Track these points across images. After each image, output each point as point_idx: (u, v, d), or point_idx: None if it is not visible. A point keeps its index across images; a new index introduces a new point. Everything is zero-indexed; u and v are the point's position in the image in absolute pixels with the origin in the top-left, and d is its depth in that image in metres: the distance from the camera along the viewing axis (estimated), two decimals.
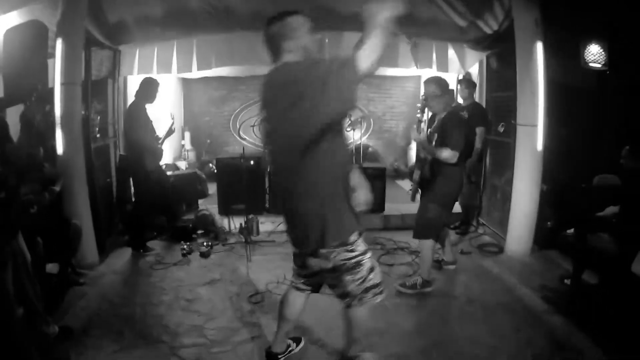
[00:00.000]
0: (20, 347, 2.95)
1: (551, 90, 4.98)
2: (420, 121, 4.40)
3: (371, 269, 2.59)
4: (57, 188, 4.21)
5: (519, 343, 3.49)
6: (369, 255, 2.60)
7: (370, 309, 2.70)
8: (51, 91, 4.44)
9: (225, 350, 3.40)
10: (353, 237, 2.49)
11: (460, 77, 7.08)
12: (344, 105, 2.07)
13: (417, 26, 5.64)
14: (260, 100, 2.41)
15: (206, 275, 4.84)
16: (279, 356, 3.12)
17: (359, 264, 2.53)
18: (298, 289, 2.88)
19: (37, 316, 3.21)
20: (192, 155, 9.70)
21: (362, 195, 2.49)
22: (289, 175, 2.40)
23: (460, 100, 6.28)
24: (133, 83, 6.51)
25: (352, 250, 2.49)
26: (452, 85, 6.82)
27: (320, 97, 2.00)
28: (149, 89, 5.44)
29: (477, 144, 5.83)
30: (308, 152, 2.22)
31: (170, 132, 5.98)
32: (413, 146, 9.87)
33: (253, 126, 8.39)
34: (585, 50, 4.70)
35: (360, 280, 2.55)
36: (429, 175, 4.27)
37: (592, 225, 4.13)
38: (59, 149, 4.61)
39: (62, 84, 4.48)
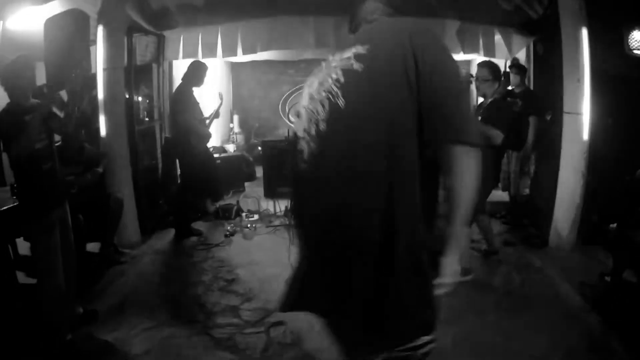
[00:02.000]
0: (55, 318, 3.11)
1: (597, 78, 4.76)
2: None
3: None
4: (99, 169, 4.36)
5: (554, 339, 3.38)
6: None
7: None
8: (94, 77, 4.59)
9: (258, 331, 3.45)
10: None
11: (509, 62, 6.85)
12: None
13: (463, 9, 5.49)
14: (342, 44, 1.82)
15: (247, 257, 4.91)
16: None
17: None
18: None
19: (70, 293, 3.34)
20: (240, 139, 9.80)
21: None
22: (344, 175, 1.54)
23: (510, 87, 6.04)
24: (179, 67, 6.62)
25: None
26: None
27: None
28: (196, 72, 5.47)
29: (531, 134, 5.63)
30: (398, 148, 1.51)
31: (216, 113, 6.06)
32: None
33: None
34: (629, 37, 4.45)
35: None
36: None
37: (634, 221, 3.94)
38: (102, 132, 4.77)
39: (105, 69, 4.63)
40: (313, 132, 1.56)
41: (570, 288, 4.16)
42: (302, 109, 1.66)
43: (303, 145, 1.60)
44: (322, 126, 1.53)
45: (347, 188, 1.47)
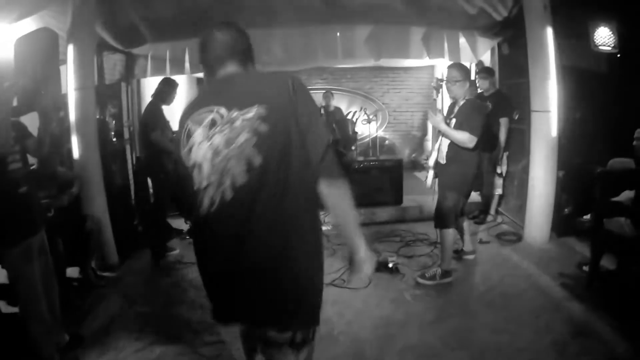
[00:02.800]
0: (44, 346, 3.02)
1: (563, 75, 4.91)
2: (434, 99, 4.40)
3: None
4: (74, 191, 4.26)
5: (538, 329, 3.47)
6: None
7: None
8: (64, 97, 4.50)
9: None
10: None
11: (474, 67, 7.00)
12: None
13: (427, 15, 5.59)
14: (224, 98, 1.88)
15: None
16: None
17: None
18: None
19: (55, 320, 3.25)
20: None
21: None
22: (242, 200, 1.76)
23: (479, 91, 6.15)
24: (147, 85, 6.55)
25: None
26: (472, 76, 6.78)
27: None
28: (166, 90, 5.41)
29: (502, 136, 5.76)
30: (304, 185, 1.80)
31: None
32: (429, 137, 9.81)
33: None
34: (595, 33, 4.61)
35: None
36: (444, 160, 4.24)
37: (608, 210, 4.07)
38: (75, 153, 4.68)
39: (76, 89, 4.55)
40: (227, 183, 1.73)
41: (550, 279, 4.28)
42: (204, 162, 1.78)
43: (210, 193, 1.77)
44: (240, 179, 1.72)
45: (274, 201, 1.72)
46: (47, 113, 3.13)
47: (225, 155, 1.74)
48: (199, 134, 1.81)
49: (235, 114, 1.75)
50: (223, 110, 1.78)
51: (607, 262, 4.13)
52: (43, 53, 3.22)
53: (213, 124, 1.78)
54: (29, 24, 3.84)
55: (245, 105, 1.74)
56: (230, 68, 1.92)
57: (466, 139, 3.99)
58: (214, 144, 1.76)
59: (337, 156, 1.82)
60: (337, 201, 1.77)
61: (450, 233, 4.30)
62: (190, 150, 1.83)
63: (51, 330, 3.09)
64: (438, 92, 4.44)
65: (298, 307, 1.79)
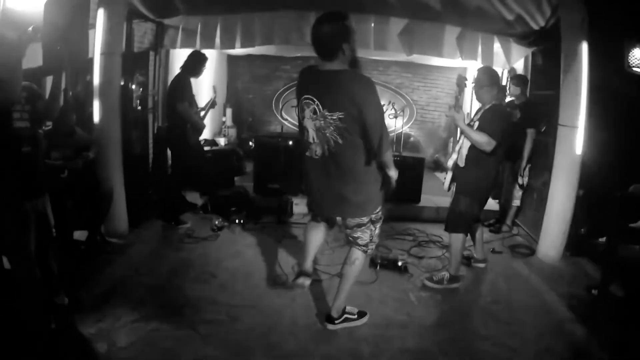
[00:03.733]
0: (36, 311, 3.03)
1: (594, 93, 4.78)
2: (457, 97, 4.32)
3: (376, 233, 3.45)
4: (90, 154, 4.27)
5: (539, 348, 3.42)
6: (379, 224, 3.45)
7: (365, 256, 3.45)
8: (90, 61, 4.51)
9: (243, 328, 3.43)
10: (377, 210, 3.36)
11: (506, 72, 6.87)
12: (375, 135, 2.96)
13: (464, 15, 5.48)
14: (321, 96, 2.91)
15: (234, 253, 4.88)
16: (310, 276, 3.65)
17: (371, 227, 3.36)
18: (317, 221, 3.58)
19: (52, 283, 3.28)
20: (232, 132, 9.75)
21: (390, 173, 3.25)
22: (331, 157, 3.03)
23: (509, 98, 6.02)
24: (176, 56, 6.56)
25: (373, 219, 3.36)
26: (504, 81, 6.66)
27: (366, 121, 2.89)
28: (196, 63, 5.42)
29: (527, 146, 5.62)
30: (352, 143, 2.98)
31: (212, 105, 6.00)
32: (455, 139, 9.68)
33: (295, 106, 8.36)
34: (629, 54, 4.46)
35: (370, 237, 3.37)
36: (463, 163, 4.16)
37: (624, 236, 3.97)
38: (96, 117, 4.69)
39: (102, 54, 4.54)
40: (325, 146, 3.01)
41: (557, 299, 4.19)
42: (311, 130, 3.03)
43: (314, 147, 3.08)
44: (330, 145, 3.00)
45: (342, 160, 3.04)
46: (72, 75, 3.13)
47: (323, 132, 2.96)
48: (307, 113, 3.00)
49: (326, 112, 2.89)
50: (320, 106, 2.90)
51: (616, 289, 4.05)
52: (73, 16, 3.23)
53: (314, 112, 2.94)
54: None
55: (332, 110, 2.86)
56: (324, 65, 2.93)
57: (484, 141, 3.88)
58: (316, 125, 2.97)
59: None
60: (384, 159, 3.13)
61: (461, 238, 4.22)
62: (303, 118, 3.05)
63: (42, 293, 3.07)
64: (462, 89, 4.33)
65: (357, 208, 3.19)
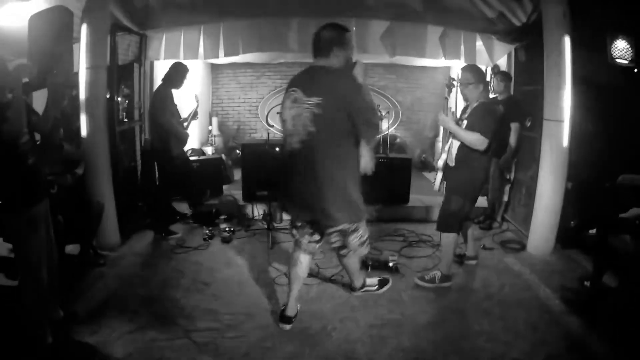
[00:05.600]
0: (35, 318, 3.05)
1: (578, 86, 4.84)
2: (446, 98, 4.35)
3: (365, 232, 3.48)
4: (79, 171, 4.28)
5: (534, 341, 3.44)
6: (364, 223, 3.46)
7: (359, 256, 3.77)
8: (76, 75, 4.51)
9: (238, 335, 3.44)
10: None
11: (490, 69, 6.94)
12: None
13: (446, 15, 5.55)
14: (304, 85, 3.09)
15: (226, 261, 4.88)
16: (293, 319, 3.60)
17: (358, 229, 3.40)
18: (305, 250, 3.52)
19: (52, 295, 3.28)
20: (219, 141, 9.74)
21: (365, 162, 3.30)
22: (317, 158, 3.09)
23: (492, 95, 6.09)
24: (160, 68, 6.56)
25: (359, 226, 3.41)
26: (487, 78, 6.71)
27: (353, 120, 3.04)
28: (177, 74, 5.46)
29: (512, 141, 5.71)
30: (340, 145, 3.12)
31: (194, 114, 6.02)
32: (441, 138, 9.74)
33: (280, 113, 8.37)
34: (612, 46, 4.53)
35: (359, 238, 3.43)
36: (453, 163, 4.19)
37: (614, 226, 4.02)
38: (83, 131, 4.68)
39: (87, 68, 4.55)
40: (300, 136, 3.09)
41: (550, 292, 4.23)
42: (289, 120, 3.14)
43: (294, 138, 3.13)
44: (304, 135, 3.07)
45: (321, 153, 3.08)
46: (58, 90, 3.15)
47: (299, 118, 3.05)
48: (287, 103, 3.15)
49: (304, 97, 3.02)
50: (300, 94, 3.05)
51: (609, 279, 4.09)
52: (57, 30, 3.24)
53: (294, 100, 3.08)
54: (44, 2, 3.84)
55: (311, 95, 3.00)
56: (316, 62, 3.17)
57: (477, 140, 3.90)
58: (292, 113, 3.09)
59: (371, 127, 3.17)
60: (363, 151, 3.25)
61: (452, 237, 4.25)
62: (284, 109, 3.18)
63: (46, 304, 3.12)
64: (450, 90, 4.38)
65: (338, 210, 3.17)
